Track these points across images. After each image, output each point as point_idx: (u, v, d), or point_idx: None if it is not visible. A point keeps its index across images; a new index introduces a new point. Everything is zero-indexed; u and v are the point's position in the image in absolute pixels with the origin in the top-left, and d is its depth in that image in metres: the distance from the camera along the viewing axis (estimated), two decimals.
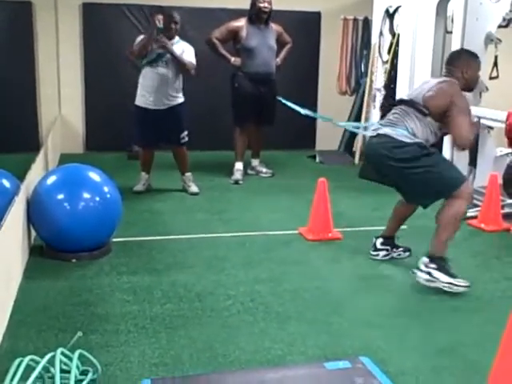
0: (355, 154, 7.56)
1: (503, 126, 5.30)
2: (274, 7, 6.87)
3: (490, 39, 5.95)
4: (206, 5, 7.40)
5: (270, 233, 4.69)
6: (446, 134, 4.06)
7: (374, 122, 4.17)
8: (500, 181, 5.09)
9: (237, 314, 3.30)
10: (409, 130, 3.71)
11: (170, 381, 2.52)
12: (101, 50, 7.37)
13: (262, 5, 6.23)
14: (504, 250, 4.47)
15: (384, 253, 4.15)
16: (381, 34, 7.23)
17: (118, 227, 4.24)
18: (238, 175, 6.40)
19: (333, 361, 2.59)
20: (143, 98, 5.61)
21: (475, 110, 5.84)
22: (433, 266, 3.60)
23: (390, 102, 6.87)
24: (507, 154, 5.43)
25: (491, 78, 6.15)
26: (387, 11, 7.07)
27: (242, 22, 6.30)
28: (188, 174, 5.87)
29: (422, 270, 3.63)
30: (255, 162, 6.78)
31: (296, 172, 6.93)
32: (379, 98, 7.25)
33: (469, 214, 5.14)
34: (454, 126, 3.70)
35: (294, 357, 2.85)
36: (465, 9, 5.77)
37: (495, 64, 6.15)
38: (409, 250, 4.23)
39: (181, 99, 5.69)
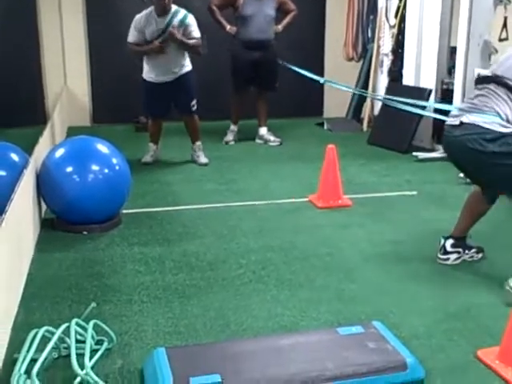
0: (363, 120, 7.51)
1: None
2: None
3: (499, 0, 5.85)
4: None
5: (280, 201, 4.68)
6: None
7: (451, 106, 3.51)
8: None
9: (249, 282, 3.31)
10: (501, 116, 3.02)
11: (183, 349, 2.54)
12: (105, 20, 7.30)
13: None
14: None
15: (455, 256, 3.53)
16: None
17: (128, 199, 4.24)
18: (229, 136, 6.63)
19: (345, 326, 2.60)
20: (149, 73, 5.58)
21: (485, 73, 5.78)
22: None
23: (397, 66, 6.87)
24: None
25: (501, 40, 6.07)
26: None
27: None
28: (198, 143, 5.84)
29: None
30: (263, 131, 6.75)
31: (304, 140, 6.89)
32: (387, 63, 7.17)
33: None
34: None
35: (306, 323, 2.86)
36: None
37: (505, 25, 6.06)
38: (482, 251, 3.62)
39: (188, 67, 5.63)
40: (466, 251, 3.57)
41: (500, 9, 5.93)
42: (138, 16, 5.48)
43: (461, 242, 3.55)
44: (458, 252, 3.55)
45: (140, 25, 5.42)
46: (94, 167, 3.96)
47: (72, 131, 6.51)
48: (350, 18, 7.96)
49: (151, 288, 3.22)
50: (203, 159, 5.80)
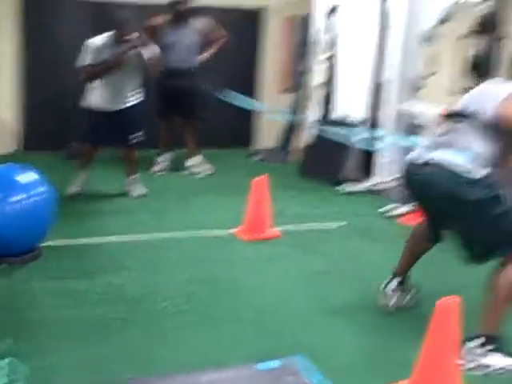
0: (294, 151, 7.60)
1: None
2: (215, 3, 6.86)
3: (427, 35, 6.09)
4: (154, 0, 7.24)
5: (208, 233, 4.68)
6: None
7: (419, 142, 3.43)
8: None
9: (172, 315, 3.28)
10: (474, 157, 2.83)
11: None
12: (39, 46, 7.17)
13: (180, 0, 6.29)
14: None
15: (398, 294, 3.44)
16: (320, 31, 7.30)
17: (52, 229, 4.14)
18: (158, 166, 6.60)
19: (265, 361, 2.61)
20: (96, 100, 5.40)
21: (412, 106, 5.99)
22: (490, 347, 2.81)
23: (329, 99, 7.04)
24: None
25: (427, 76, 6.31)
26: (327, 9, 7.15)
27: (161, 19, 6.35)
28: (132, 177, 5.70)
29: (476, 354, 2.81)
30: (191, 161, 6.71)
31: (235, 170, 6.89)
32: (319, 95, 7.33)
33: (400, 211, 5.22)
34: None
35: (229, 358, 2.85)
36: (403, 6, 5.89)
37: (432, 61, 6.31)
38: (419, 291, 3.53)
39: (135, 100, 5.52)
40: (408, 290, 3.48)
41: (427, 45, 6.17)
42: (91, 40, 5.34)
43: (404, 282, 3.46)
44: (402, 290, 3.46)
45: (98, 48, 5.27)
46: (16, 197, 3.84)
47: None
48: (284, 49, 8.13)
49: (72, 322, 3.15)
50: (137, 191, 5.65)
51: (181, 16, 6.35)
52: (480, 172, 2.83)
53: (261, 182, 4.63)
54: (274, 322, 3.25)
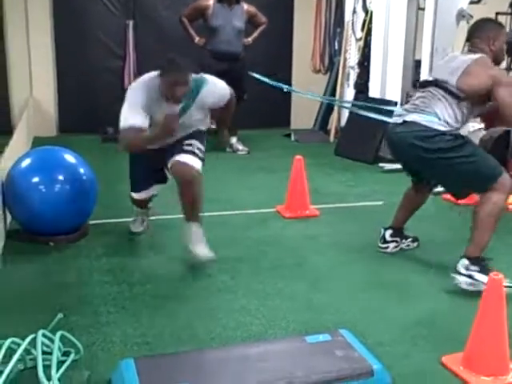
0: (330, 131, 7.59)
1: None
2: None
3: (461, 15, 5.99)
4: None
5: (248, 211, 4.70)
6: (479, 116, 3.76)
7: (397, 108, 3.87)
8: None
9: (217, 291, 3.32)
10: (439, 117, 3.35)
11: (152, 359, 2.53)
12: (72, 30, 7.24)
13: None
14: None
15: (394, 245, 3.90)
16: (354, 11, 7.23)
17: (95, 209, 4.20)
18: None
19: (313, 334, 2.62)
20: None
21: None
22: (474, 268, 3.29)
23: (364, 79, 6.97)
24: (479, 129, 5.51)
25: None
26: None
27: (209, 1, 6.38)
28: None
29: (462, 274, 3.31)
30: (232, 140, 6.84)
31: (272, 151, 6.92)
32: (353, 75, 7.28)
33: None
34: (503, 102, 3.26)
35: (275, 331, 2.88)
36: None
37: (467, 40, 6.21)
38: (417, 240, 4.01)
39: None
40: (403, 240, 3.94)
41: (463, 24, 6.08)
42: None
43: (398, 232, 3.91)
44: (396, 241, 3.91)
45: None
46: (60, 177, 3.91)
47: (38, 141, 6.44)
48: (317, 30, 8.07)
49: (118, 299, 3.20)
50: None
51: None
52: (444, 127, 3.33)
53: (301, 161, 4.63)
54: (316, 298, 3.25)
